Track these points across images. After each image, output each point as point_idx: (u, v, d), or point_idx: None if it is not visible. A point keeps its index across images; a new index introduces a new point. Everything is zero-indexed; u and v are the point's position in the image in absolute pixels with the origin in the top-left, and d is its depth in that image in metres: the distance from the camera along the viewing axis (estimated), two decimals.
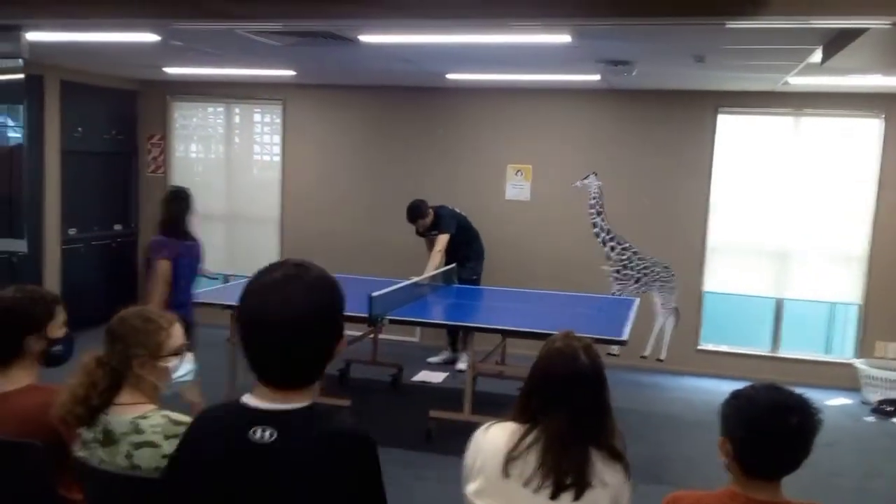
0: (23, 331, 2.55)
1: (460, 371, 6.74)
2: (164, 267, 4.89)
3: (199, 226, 5.47)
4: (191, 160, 8.59)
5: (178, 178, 8.50)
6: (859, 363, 6.59)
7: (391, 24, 4.50)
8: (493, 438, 2.22)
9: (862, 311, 6.85)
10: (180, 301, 4.91)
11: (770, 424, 1.97)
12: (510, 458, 2.14)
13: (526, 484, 2.11)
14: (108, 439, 2.25)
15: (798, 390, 2.07)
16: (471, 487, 2.22)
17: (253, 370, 1.64)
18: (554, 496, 2.09)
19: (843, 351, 7.11)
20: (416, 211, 6.74)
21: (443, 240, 6.68)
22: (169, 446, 2.22)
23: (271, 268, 1.67)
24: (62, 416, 2.26)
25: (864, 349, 6.81)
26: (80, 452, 2.30)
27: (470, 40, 4.90)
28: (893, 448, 5.44)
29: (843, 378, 6.67)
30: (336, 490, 1.62)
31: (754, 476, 2.00)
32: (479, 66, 6.19)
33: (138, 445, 2.23)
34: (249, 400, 1.65)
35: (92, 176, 7.92)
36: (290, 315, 1.59)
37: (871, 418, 6.02)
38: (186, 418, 2.30)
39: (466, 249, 6.95)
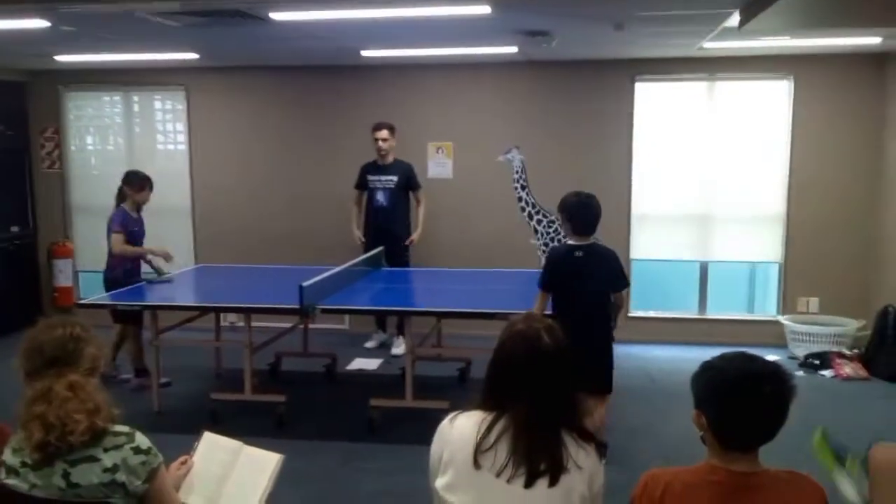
0: None
1: (395, 356, 6.61)
2: None
3: (104, 222, 5.94)
4: (88, 153, 8.09)
5: (75, 173, 8.02)
6: (784, 319, 6.79)
7: None
8: (461, 429, 2.10)
9: (782, 269, 7.06)
10: None
11: (743, 395, 1.92)
12: (480, 450, 2.03)
13: (499, 474, 2.01)
14: (42, 461, 2.04)
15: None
16: (440, 482, 2.10)
17: (574, 232, 4.22)
18: (528, 484, 2.00)
19: (766, 308, 7.33)
20: (391, 126, 6.71)
21: (422, 196, 6.90)
22: (109, 459, 2.05)
23: (580, 194, 4.30)
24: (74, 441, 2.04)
25: (786, 306, 7.02)
26: (6, 480, 2.08)
27: (388, 14, 4.71)
28: (823, 400, 5.62)
29: (769, 335, 6.88)
30: (610, 269, 4.22)
31: (731, 448, 1.96)
32: (396, 42, 6.00)
33: (75, 462, 2.04)
34: (572, 241, 4.24)
35: None
36: (595, 206, 4.24)
37: (799, 372, 6.20)
38: (125, 428, 2.12)
39: (402, 227, 6.83)
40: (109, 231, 5.78)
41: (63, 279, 7.87)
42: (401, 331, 6.52)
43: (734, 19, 4.81)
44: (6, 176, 7.68)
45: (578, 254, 4.19)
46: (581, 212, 4.21)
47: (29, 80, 7.83)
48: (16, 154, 7.79)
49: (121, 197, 5.88)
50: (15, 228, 7.75)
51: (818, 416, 5.20)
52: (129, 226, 5.80)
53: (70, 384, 2.07)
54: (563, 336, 2.18)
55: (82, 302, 5.52)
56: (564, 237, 7.17)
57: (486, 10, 4.54)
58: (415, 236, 6.86)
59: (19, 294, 7.59)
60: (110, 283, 5.72)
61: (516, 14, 4.83)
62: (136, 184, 5.84)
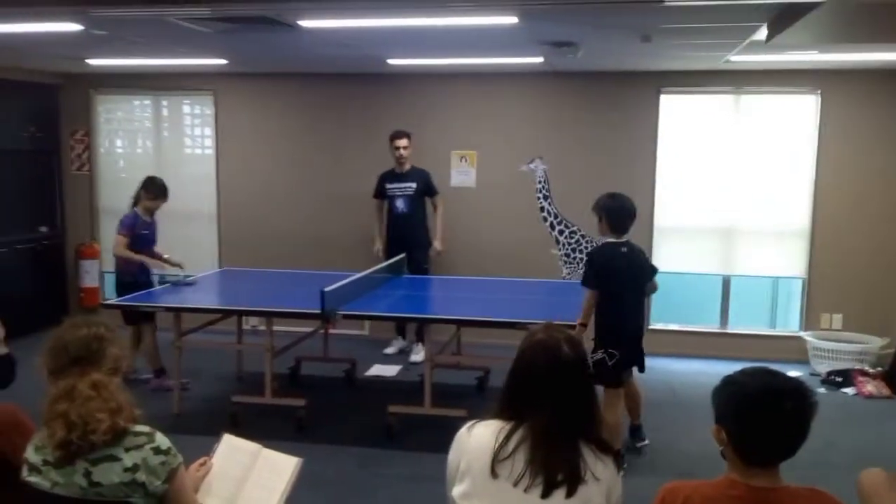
0: None
1: (414, 363, 6.63)
2: None
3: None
4: (117, 156, 8.20)
5: (104, 176, 8.13)
6: (807, 336, 6.72)
7: (334, 7, 4.32)
8: (478, 438, 2.10)
9: (806, 285, 6.98)
10: None
11: (764, 410, 1.91)
12: (498, 459, 2.03)
13: (516, 484, 2.01)
14: (63, 460, 2.06)
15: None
16: (457, 490, 2.10)
17: (613, 231, 4.57)
18: (545, 495, 2.00)
19: (789, 324, 7.25)
20: (409, 134, 6.80)
21: (441, 202, 6.96)
22: (130, 459, 2.07)
23: (615, 195, 4.70)
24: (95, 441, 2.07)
25: (809, 322, 6.95)
26: (29, 478, 2.11)
27: (416, 23, 4.74)
28: (846, 418, 5.55)
29: (791, 351, 6.81)
30: (646, 260, 4.85)
31: (751, 463, 1.94)
32: (422, 51, 6.03)
33: (96, 461, 2.06)
34: (613, 239, 4.58)
35: (12, 176, 7.47)
36: (631, 206, 4.64)
37: (821, 389, 6.13)
38: (145, 428, 2.15)
39: (422, 234, 6.88)
40: (117, 228, 5.91)
41: (89, 280, 7.97)
42: (420, 338, 6.57)
43: (762, 33, 4.78)
44: (36, 177, 7.81)
45: (624, 250, 4.59)
46: (620, 212, 4.60)
47: (61, 83, 7.96)
48: (46, 155, 7.91)
49: (137, 199, 5.98)
50: (43, 229, 7.86)
51: (839, 435, 5.19)
52: (137, 229, 5.88)
53: (93, 383, 2.10)
54: (582, 346, 2.18)
55: (107, 302, 5.58)
56: (589, 243, 7.22)
57: (513, 20, 4.56)
58: (437, 244, 6.92)
59: (46, 293, 7.70)
60: (123, 286, 5.79)
61: (543, 24, 4.83)
62: (151, 191, 5.93)
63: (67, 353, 2.15)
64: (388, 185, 6.88)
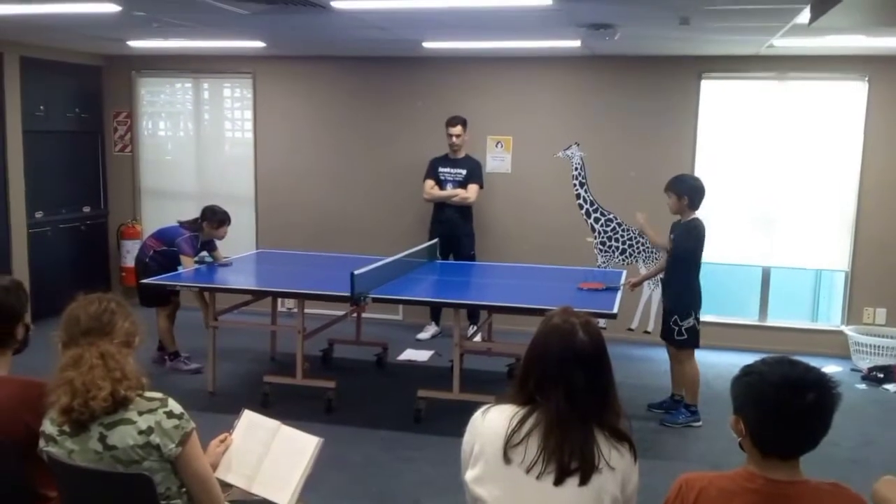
0: (13, 319, 2.46)
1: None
2: None
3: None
4: (159, 138, 8.32)
5: (146, 157, 8.25)
6: (848, 330, 6.55)
7: None
8: (492, 422, 2.08)
9: (849, 278, 6.79)
10: None
11: (784, 403, 1.84)
12: (510, 444, 2.01)
13: (528, 470, 1.98)
14: (77, 427, 2.12)
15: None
16: (470, 474, 2.08)
17: (693, 208, 4.97)
18: (558, 482, 1.97)
19: (830, 318, 7.06)
20: (464, 120, 6.79)
21: (474, 190, 6.77)
22: (144, 422, 2.12)
23: (689, 175, 5.38)
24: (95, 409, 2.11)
25: (851, 316, 6.76)
26: (46, 448, 2.16)
27: (448, 4, 4.70)
28: (885, 415, 5.40)
29: (832, 345, 6.64)
30: None
31: (770, 455, 1.89)
32: (457, 34, 5.99)
33: (111, 425, 2.11)
34: (696, 215, 4.99)
35: (57, 156, 7.62)
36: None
37: (862, 385, 5.97)
38: (157, 394, 2.20)
39: (469, 221, 6.94)
40: (178, 247, 5.83)
41: (130, 260, 8.06)
42: (435, 319, 7.05)
43: (804, 16, 4.63)
44: (80, 157, 7.95)
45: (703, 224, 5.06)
46: (701, 191, 5.02)
47: (104, 65, 8.08)
48: (90, 136, 8.05)
49: (198, 226, 5.94)
50: (87, 209, 8.02)
51: (879, 432, 5.04)
52: (197, 248, 5.96)
53: (101, 353, 2.15)
54: (599, 331, 2.14)
55: (146, 281, 5.67)
56: (625, 231, 7.09)
57: (547, 1, 4.49)
58: (452, 191, 6.80)
59: (89, 272, 7.85)
60: (146, 269, 5.83)
61: (578, 5, 4.75)
62: (214, 221, 5.91)
63: (79, 325, 2.21)
64: (441, 169, 6.87)
